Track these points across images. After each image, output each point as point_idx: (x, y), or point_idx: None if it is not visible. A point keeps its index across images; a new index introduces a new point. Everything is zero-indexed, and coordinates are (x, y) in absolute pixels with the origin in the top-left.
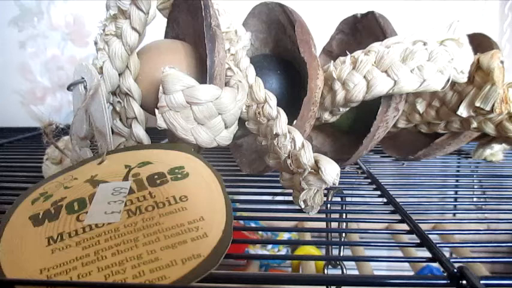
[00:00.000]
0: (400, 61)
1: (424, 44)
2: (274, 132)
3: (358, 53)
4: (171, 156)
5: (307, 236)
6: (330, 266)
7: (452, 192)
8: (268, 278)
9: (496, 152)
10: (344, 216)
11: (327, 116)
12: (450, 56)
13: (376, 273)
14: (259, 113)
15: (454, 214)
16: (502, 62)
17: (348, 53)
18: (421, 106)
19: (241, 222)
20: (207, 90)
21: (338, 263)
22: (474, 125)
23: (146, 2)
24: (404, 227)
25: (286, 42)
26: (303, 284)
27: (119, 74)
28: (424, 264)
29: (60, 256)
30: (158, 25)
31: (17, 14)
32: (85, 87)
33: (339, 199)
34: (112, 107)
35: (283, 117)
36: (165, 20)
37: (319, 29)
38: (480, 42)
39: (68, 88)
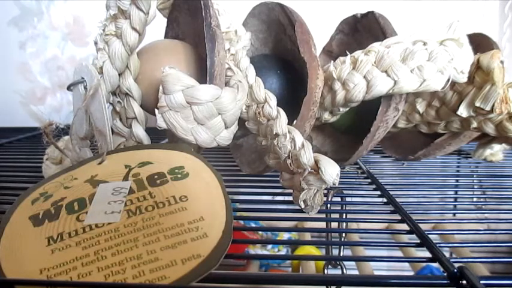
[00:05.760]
0: (400, 61)
1: (424, 44)
2: (274, 132)
3: (358, 53)
4: (171, 156)
5: (307, 236)
6: (330, 266)
7: (452, 192)
8: (268, 278)
9: (496, 152)
10: (344, 216)
11: (327, 116)
12: (450, 56)
13: (376, 273)
14: (259, 113)
15: (454, 214)
16: (502, 62)
17: (348, 53)
18: (421, 106)
19: (241, 222)
20: (207, 90)
21: (338, 263)
22: (474, 125)
23: (146, 2)
24: (404, 227)
25: (286, 42)
26: (303, 284)
27: (119, 74)
28: (424, 264)
29: (60, 256)
30: (158, 25)
31: (17, 14)
32: (85, 87)
33: (339, 199)
34: (112, 107)
35: (283, 117)
36: (165, 20)
37: (319, 29)
38: (480, 42)
39: (68, 88)
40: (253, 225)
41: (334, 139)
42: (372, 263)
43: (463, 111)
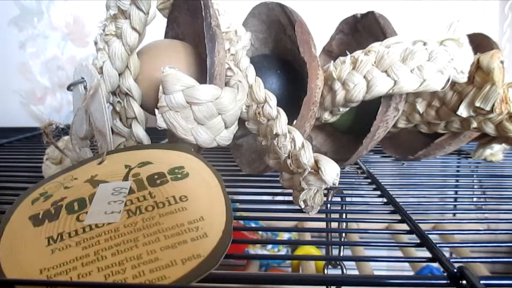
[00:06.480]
0: (400, 61)
1: (424, 44)
2: (274, 132)
3: (358, 53)
4: (171, 156)
5: (307, 236)
6: (330, 266)
7: (452, 192)
8: (268, 278)
9: (496, 152)
10: (344, 216)
11: (327, 116)
12: (450, 56)
13: (376, 273)
14: (259, 113)
15: (454, 214)
16: (502, 62)
17: (348, 53)
18: (421, 106)
19: (241, 222)
20: (207, 90)
21: (338, 263)
22: (474, 125)
23: (146, 2)
24: (404, 227)
25: (286, 42)
26: (303, 284)
27: (119, 74)
28: (424, 264)
29: (60, 256)
30: (158, 25)
31: (17, 14)
32: (85, 87)
33: (339, 199)
34: (112, 107)
35: (283, 117)
36: (165, 20)
37: (319, 29)
38: (480, 42)
39: (68, 88)
40: (253, 225)
41: (334, 139)
42: (371, 263)
43: (463, 111)
